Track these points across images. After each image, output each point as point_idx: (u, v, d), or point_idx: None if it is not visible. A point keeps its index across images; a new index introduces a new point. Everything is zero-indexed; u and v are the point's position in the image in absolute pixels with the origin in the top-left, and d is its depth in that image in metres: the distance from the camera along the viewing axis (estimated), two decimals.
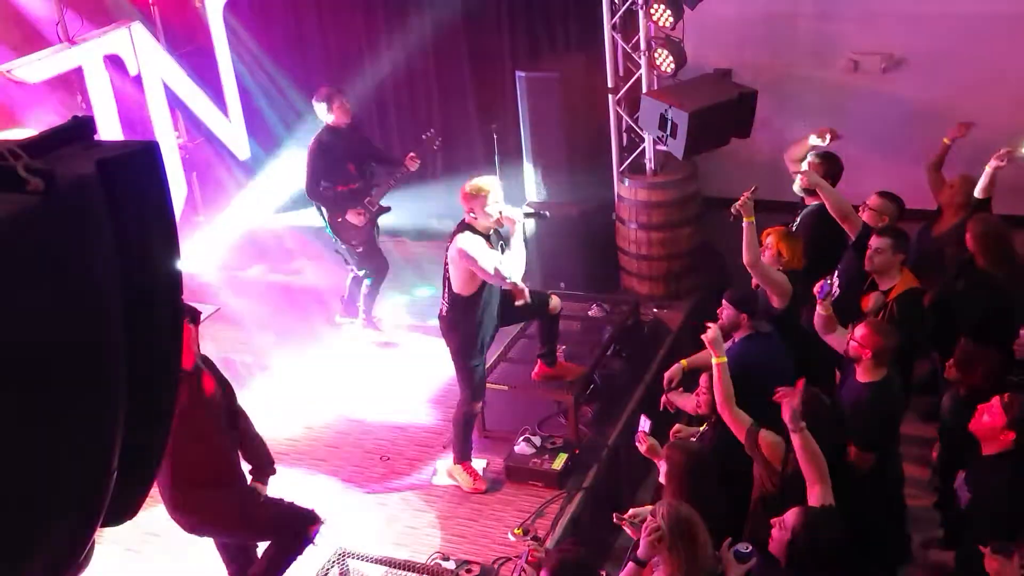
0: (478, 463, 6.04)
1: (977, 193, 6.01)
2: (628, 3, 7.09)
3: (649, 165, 7.42)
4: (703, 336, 4.72)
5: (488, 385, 6.19)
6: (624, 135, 7.59)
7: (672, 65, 6.88)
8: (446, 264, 5.51)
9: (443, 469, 6.07)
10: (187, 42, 8.27)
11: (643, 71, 7.16)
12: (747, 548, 3.88)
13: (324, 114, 6.92)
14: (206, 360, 4.68)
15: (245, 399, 7.01)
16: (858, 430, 4.62)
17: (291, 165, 9.03)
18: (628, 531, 4.50)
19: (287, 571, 4.77)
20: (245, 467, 4.85)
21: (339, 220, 7.11)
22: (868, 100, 7.46)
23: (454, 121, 8.62)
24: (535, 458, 5.91)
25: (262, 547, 4.90)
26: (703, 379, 4.94)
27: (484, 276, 5.36)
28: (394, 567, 5.03)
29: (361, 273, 7.34)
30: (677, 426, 5.22)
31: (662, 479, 4.50)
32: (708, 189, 7.61)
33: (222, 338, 7.60)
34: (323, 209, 7.11)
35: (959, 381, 5.08)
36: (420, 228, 8.72)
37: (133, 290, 1.71)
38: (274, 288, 8.43)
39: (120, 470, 1.97)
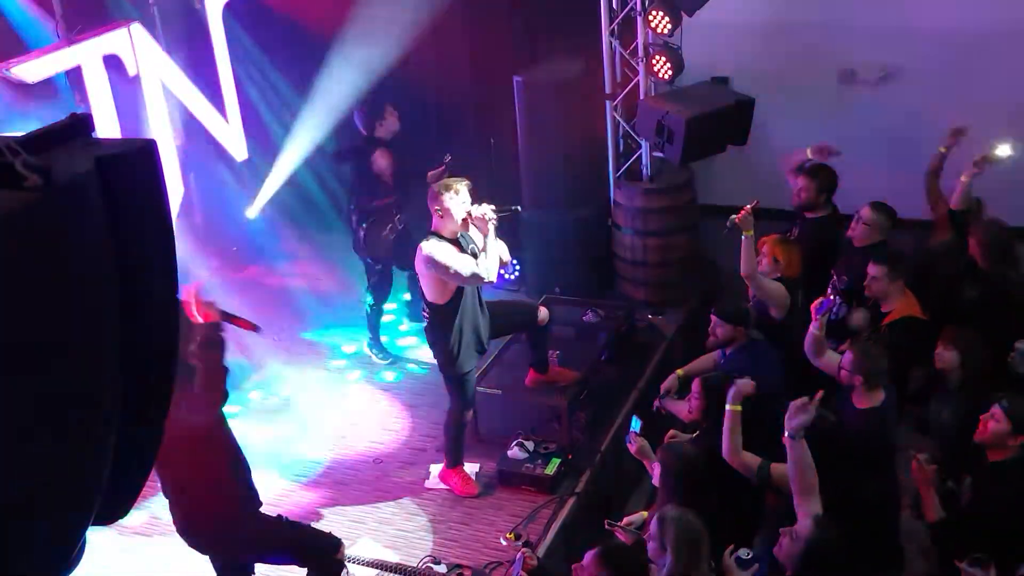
0: (471, 467, 6.04)
1: (953, 205, 6.04)
2: (627, 9, 7.11)
3: (645, 171, 7.43)
4: (736, 383, 4.56)
5: (481, 389, 6.19)
6: (621, 141, 7.60)
7: (670, 72, 6.89)
8: (418, 276, 5.48)
9: (436, 473, 6.07)
10: (186, 43, 8.26)
11: (641, 77, 7.18)
12: (748, 554, 3.89)
13: (377, 121, 6.76)
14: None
15: (237, 402, 7.06)
16: (859, 456, 4.61)
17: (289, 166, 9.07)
18: (620, 537, 4.51)
19: None
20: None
21: (362, 234, 6.95)
22: (864, 110, 7.49)
23: (451, 125, 8.62)
24: (528, 463, 5.92)
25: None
26: (695, 385, 4.95)
27: (458, 280, 5.30)
28: (386, 570, 5.03)
29: (368, 297, 7.22)
30: (672, 431, 5.23)
31: (655, 482, 4.51)
32: (704, 196, 7.62)
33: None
34: (352, 222, 6.99)
35: (957, 370, 4.94)
36: (418, 232, 8.70)
37: (129, 288, 1.71)
38: (269, 290, 8.42)
39: (113, 468, 1.97)
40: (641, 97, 7.13)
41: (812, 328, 5.04)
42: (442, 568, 5.25)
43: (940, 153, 6.35)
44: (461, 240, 5.40)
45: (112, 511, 2.09)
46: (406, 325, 7.78)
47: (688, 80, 7.05)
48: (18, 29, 7.53)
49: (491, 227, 5.32)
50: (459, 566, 5.26)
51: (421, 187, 6.14)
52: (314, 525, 5.10)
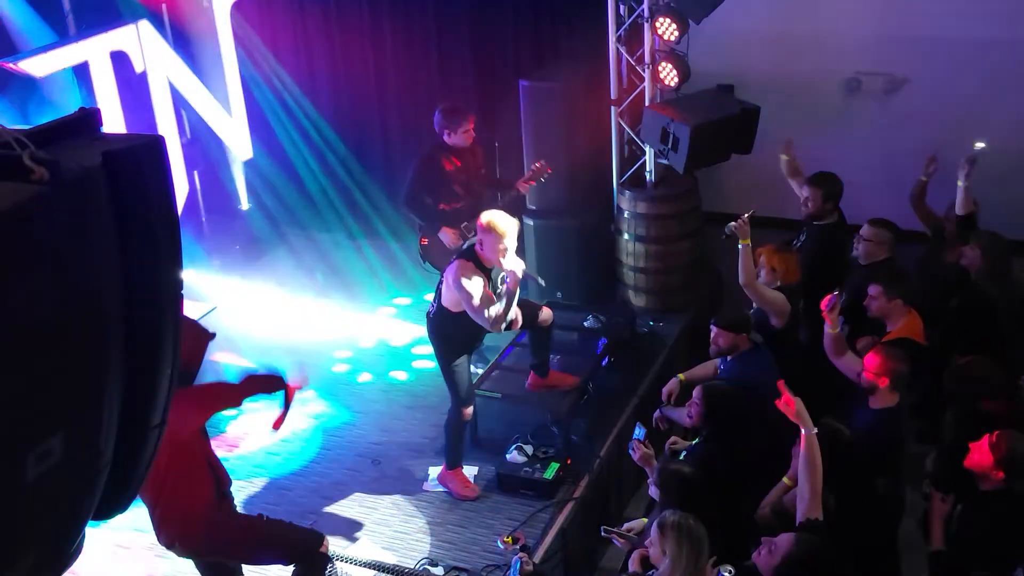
0: (469, 470, 6.04)
1: (959, 211, 6.05)
2: (634, 16, 7.11)
3: (649, 178, 7.43)
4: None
5: (481, 393, 6.20)
6: (625, 147, 7.60)
7: (675, 79, 6.90)
8: (443, 274, 5.53)
9: (434, 475, 6.07)
10: (193, 41, 8.27)
11: (646, 84, 7.18)
12: (730, 571, 3.89)
13: (447, 130, 6.61)
14: None
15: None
16: (869, 456, 4.61)
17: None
18: (618, 543, 4.51)
19: None
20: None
21: (425, 243, 6.84)
22: (870, 120, 7.49)
23: None
24: (526, 467, 5.91)
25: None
26: (696, 392, 4.95)
27: (472, 316, 5.34)
28: (382, 572, 5.02)
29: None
30: (673, 437, 5.23)
31: (652, 494, 4.50)
32: (708, 204, 7.62)
33: (217, 338, 7.59)
34: (418, 227, 6.91)
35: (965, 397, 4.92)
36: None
37: (134, 282, 1.71)
38: (271, 288, 8.42)
39: (113, 463, 1.97)
40: (646, 104, 7.13)
41: (827, 328, 5.05)
42: (439, 571, 5.25)
43: (921, 181, 6.34)
44: (493, 272, 5.43)
45: (112, 505, 2.09)
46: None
47: (694, 87, 7.06)
48: (22, 26, 7.53)
49: (517, 282, 5.28)
50: (456, 569, 5.25)
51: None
52: (311, 526, 5.08)
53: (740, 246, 5.40)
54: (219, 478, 4.58)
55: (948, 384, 5.00)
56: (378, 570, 5.02)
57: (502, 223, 5.28)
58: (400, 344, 7.63)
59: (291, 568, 4.71)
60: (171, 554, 4.71)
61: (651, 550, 3.87)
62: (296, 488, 6.14)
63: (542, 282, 5.63)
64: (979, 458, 4.34)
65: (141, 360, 1.79)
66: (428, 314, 5.71)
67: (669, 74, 6.92)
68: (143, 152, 1.78)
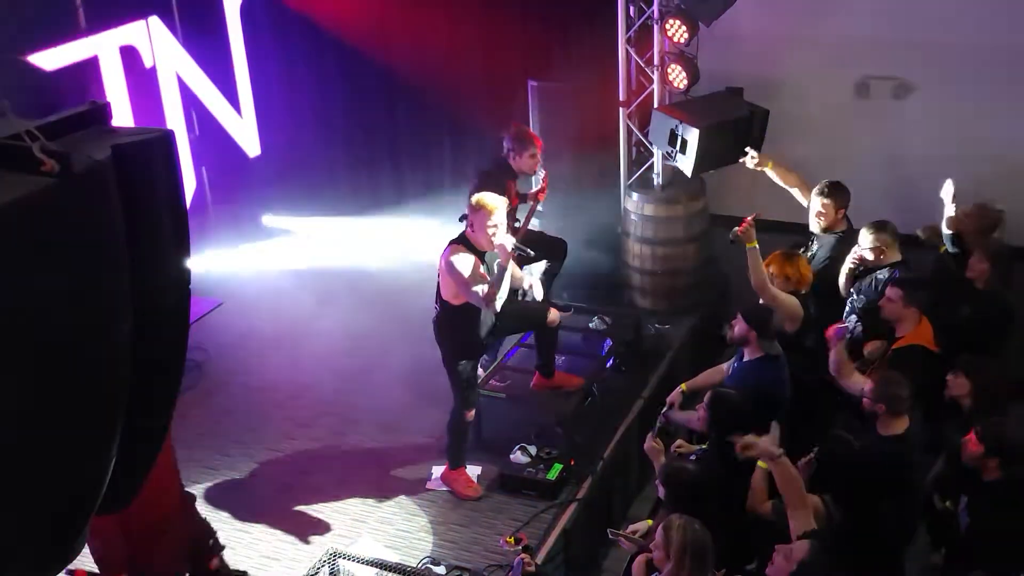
0: (472, 470, 6.03)
1: (945, 227, 6.03)
2: (643, 17, 7.11)
3: (657, 180, 7.42)
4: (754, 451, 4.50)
5: (485, 393, 6.20)
6: (633, 149, 7.60)
7: (685, 81, 6.89)
8: (439, 271, 5.53)
9: (437, 474, 6.06)
10: (204, 37, 8.28)
11: (655, 86, 7.17)
12: None
13: (513, 151, 6.52)
14: None
15: (244, 396, 7.08)
16: (880, 482, 4.59)
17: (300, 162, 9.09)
18: (624, 545, 4.50)
19: None
20: None
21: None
22: (878, 124, 7.47)
23: (465, 128, 8.62)
24: (530, 468, 5.91)
25: None
26: (706, 398, 4.95)
27: (466, 296, 5.39)
28: (385, 570, 5.02)
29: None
30: (679, 441, 5.21)
31: (660, 493, 4.49)
32: (715, 207, 7.61)
33: (222, 334, 7.62)
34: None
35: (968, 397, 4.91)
36: (427, 233, 8.74)
37: (142, 275, 1.71)
38: (277, 285, 8.44)
39: (118, 457, 1.97)
40: (655, 105, 7.13)
41: (832, 355, 5.04)
42: (441, 569, 5.24)
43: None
44: (487, 255, 5.44)
45: (117, 498, 2.09)
46: None
47: (703, 90, 7.05)
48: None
49: (509, 259, 5.34)
50: (458, 568, 5.25)
51: None
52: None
53: (748, 249, 5.38)
54: None
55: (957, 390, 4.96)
56: (380, 568, 5.02)
57: (491, 199, 5.37)
58: (409, 342, 7.62)
59: None
60: None
61: (656, 553, 3.87)
62: (300, 485, 6.13)
63: (531, 252, 5.59)
64: (972, 449, 4.38)
65: (148, 354, 1.79)
66: (434, 319, 5.72)
67: (678, 76, 6.92)
68: (153, 146, 1.79)
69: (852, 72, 7.46)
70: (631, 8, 7.18)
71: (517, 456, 5.98)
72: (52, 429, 1.63)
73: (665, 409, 5.50)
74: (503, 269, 5.37)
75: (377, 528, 5.73)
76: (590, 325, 7.08)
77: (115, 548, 4.36)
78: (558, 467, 5.87)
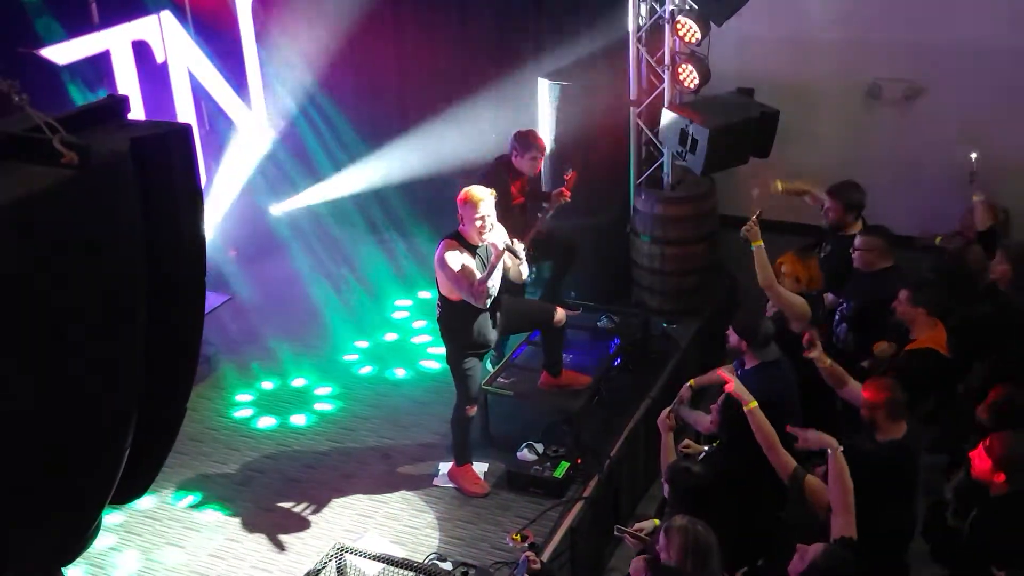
0: (479, 467, 6.05)
1: (978, 227, 6.02)
2: (655, 17, 7.10)
3: (667, 180, 7.41)
4: (726, 388, 4.70)
5: (492, 391, 6.20)
6: (643, 148, 7.59)
7: (695, 81, 6.88)
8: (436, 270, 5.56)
9: (444, 470, 6.07)
10: (215, 33, 8.30)
11: (666, 85, 7.16)
12: None
13: (516, 151, 6.61)
14: None
15: (251, 391, 7.09)
16: (880, 486, 4.57)
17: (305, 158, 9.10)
18: (630, 543, 4.50)
19: None
20: None
21: None
22: (889, 127, 7.45)
23: (474, 125, 8.62)
24: (537, 465, 5.92)
25: None
26: (718, 403, 4.96)
27: (457, 289, 5.41)
28: (391, 565, 5.03)
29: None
30: (686, 441, 5.21)
31: (665, 492, 4.50)
32: (725, 207, 7.60)
33: (232, 328, 7.64)
34: None
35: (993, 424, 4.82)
36: (436, 230, 8.74)
37: (159, 267, 1.73)
38: (287, 279, 8.46)
39: (133, 448, 1.98)
40: (665, 105, 7.12)
41: (820, 367, 5.03)
42: (448, 566, 5.25)
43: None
44: (480, 250, 5.45)
45: (130, 490, 2.10)
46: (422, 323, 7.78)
47: (714, 90, 7.04)
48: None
49: (502, 257, 5.39)
50: (465, 564, 5.25)
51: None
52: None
53: (753, 248, 5.38)
54: None
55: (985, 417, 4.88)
56: (387, 563, 5.03)
57: (476, 191, 5.41)
58: (416, 339, 7.64)
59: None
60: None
61: (661, 554, 3.87)
62: (307, 480, 6.15)
63: (522, 254, 5.56)
64: (980, 464, 4.35)
65: (163, 345, 1.80)
66: (437, 319, 5.75)
67: (689, 76, 6.91)
68: (171, 139, 1.80)
69: (864, 74, 7.44)
70: (642, 7, 7.17)
71: (524, 454, 5.99)
72: (67, 419, 1.64)
73: (675, 403, 5.50)
74: (492, 266, 5.40)
75: (384, 524, 5.75)
76: (598, 324, 7.08)
77: None
78: (565, 465, 5.88)
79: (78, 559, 2.17)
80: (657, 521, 4.56)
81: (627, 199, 7.62)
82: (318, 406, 6.90)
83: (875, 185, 6.42)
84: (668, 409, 4.93)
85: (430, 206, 8.89)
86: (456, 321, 5.59)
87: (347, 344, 7.56)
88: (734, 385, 4.63)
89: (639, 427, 6.25)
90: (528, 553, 4.60)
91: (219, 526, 5.83)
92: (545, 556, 5.17)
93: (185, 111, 7.95)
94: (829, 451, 4.14)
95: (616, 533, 4.60)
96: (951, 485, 4.90)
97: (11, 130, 1.64)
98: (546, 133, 7.49)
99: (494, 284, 5.48)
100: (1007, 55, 6.95)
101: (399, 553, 5.35)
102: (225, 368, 7.30)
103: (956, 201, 6.45)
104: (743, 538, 4.40)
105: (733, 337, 5.16)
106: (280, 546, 5.63)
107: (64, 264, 1.54)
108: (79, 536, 2.07)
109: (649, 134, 7.43)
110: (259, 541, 5.68)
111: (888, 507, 4.56)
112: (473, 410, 5.86)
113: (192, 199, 1.89)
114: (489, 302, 5.53)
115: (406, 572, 4.95)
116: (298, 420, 6.76)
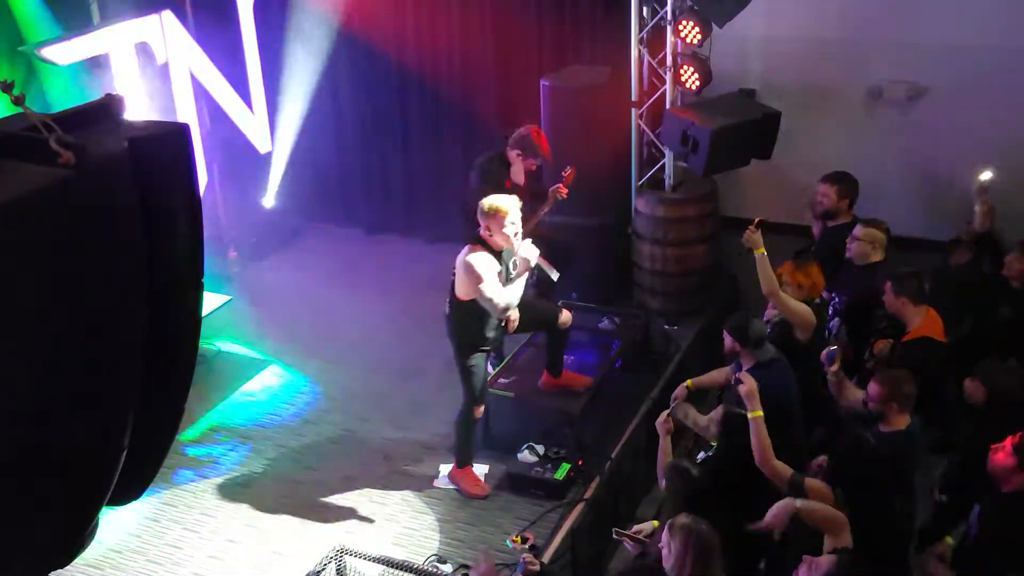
0: (480, 468, 6.04)
1: (977, 228, 6.01)
2: (656, 18, 7.09)
3: (668, 181, 7.41)
4: (739, 389, 4.63)
5: (493, 392, 6.19)
6: (645, 149, 7.58)
7: (697, 82, 6.87)
8: (455, 267, 5.55)
9: (445, 472, 6.07)
10: (216, 34, 8.30)
11: (667, 86, 7.16)
12: None
13: (520, 152, 6.50)
14: None
15: (251, 391, 7.09)
16: (882, 478, 4.58)
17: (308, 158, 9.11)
18: (628, 546, 4.49)
19: None
20: None
21: None
22: (891, 128, 7.44)
23: (475, 126, 8.62)
24: (537, 467, 5.91)
25: None
26: (717, 412, 4.95)
27: (479, 296, 5.40)
28: (391, 566, 5.02)
29: None
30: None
31: (662, 487, 4.49)
32: (726, 208, 7.59)
33: (231, 329, 7.64)
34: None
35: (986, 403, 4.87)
36: (437, 231, 8.76)
37: (158, 267, 1.72)
38: (287, 279, 8.45)
39: (130, 448, 1.98)
40: (667, 106, 7.11)
41: (829, 377, 5.03)
42: (448, 568, 5.24)
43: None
44: (505, 254, 5.46)
45: (127, 490, 2.10)
46: None
47: (715, 91, 7.03)
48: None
49: (526, 269, 5.42)
50: (465, 566, 5.24)
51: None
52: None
53: (755, 255, 5.36)
54: None
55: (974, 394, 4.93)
56: (387, 565, 5.02)
57: (504, 202, 5.37)
58: (416, 339, 7.63)
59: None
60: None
61: (663, 551, 3.86)
62: (307, 482, 6.15)
63: (555, 275, 5.60)
64: (1002, 459, 4.31)
65: (162, 346, 1.80)
66: (444, 314, 5.73)
67: (691, 77, 6.90)
68: (168, 140, 1.79)
69: (865, 75, 7.43)
70: (644, 8, 7.17)
71: (525, 455, 5.98)
72: (65, 418, 1.63)
73: (672, 405, 5.48)
74: (520, 276, 5.44)
75: (384, 525, 5.74)
76: (599, 325, 7.07)
77: None
78: (565, 467, 5.87)
79: (77, 559, 2.17)
80: (656, 523, 4.55)
81: (628, 200, 7.61)
82: (318, 406, 6.89)
83: (876, 185, 6.42)
84: (666, 412, 4.92)
85: (430, 206, 8.90)
86: (464, 319, 5.58)
87: (347, 344, 7.56)
88: (748, 388, 4.55)
89: (640, 428, 6.24)
90: (526, 555, 4.58)
91: (219, 527, 5.82)
92: (546, 558, 5.16)
93: (186, 111, 7.94)
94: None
95: (614, 536, 4.58)
96: (939, 471, 4.91)
97: (8, 129, 1.63)
98: (547, 135, 7.47)
99: (516, 296, 5.48)
100: (1008, 55, 6.94)
101: (399, 555, 5.34)
102: (225, 368, 7.30)
103: (956, 201, 6.43)
104: (743, 543, 4.37)
105: (727, 340, 5.16)
106: (280, 547, 5.63)
107: (61, 263, 1.53)
108: (77, 536, 2.07)
109: (651, 135, 7.43)
110: (259, 542, 5.68)
111: (893, 499, 4.57)
112: (480, 411, 5.85)
113: (191, 199, 1.88)
114: (515, 314, 5.56)
115: (406, 574, 4.94)
116: (298, 421, 6.75)
